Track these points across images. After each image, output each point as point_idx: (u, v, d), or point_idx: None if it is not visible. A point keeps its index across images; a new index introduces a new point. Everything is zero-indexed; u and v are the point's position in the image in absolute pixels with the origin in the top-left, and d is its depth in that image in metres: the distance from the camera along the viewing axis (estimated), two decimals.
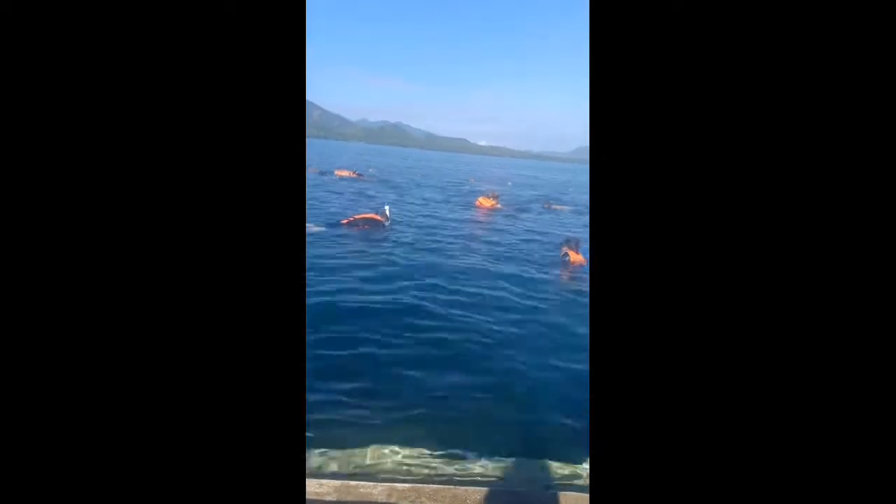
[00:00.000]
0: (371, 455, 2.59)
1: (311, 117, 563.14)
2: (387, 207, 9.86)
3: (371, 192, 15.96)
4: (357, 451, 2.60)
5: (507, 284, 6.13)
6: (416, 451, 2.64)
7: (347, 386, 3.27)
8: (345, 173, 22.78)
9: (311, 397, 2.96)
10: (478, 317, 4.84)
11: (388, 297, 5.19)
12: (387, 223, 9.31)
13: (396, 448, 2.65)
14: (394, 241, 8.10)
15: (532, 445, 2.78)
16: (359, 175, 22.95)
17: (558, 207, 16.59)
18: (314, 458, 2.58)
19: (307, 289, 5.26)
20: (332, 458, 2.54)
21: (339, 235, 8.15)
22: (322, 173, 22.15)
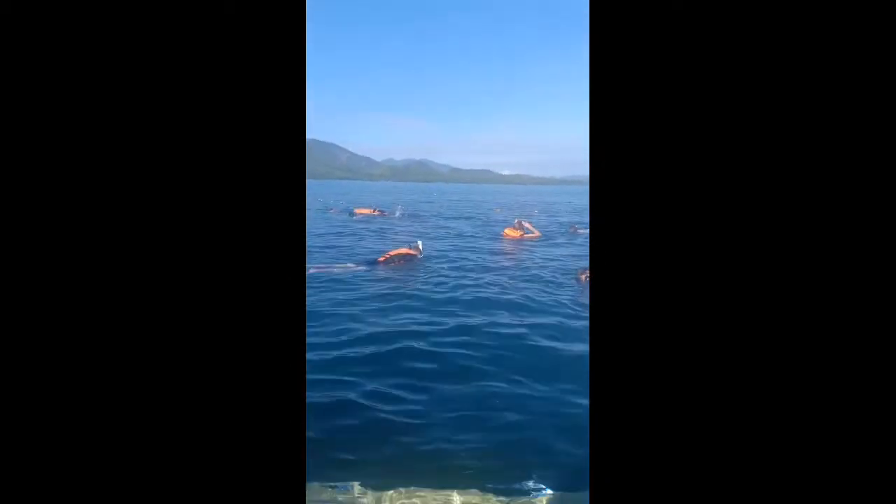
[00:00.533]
0: None
1: (340, 160, 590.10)
2: (419, 242, 10.38)
3: (399, 228, 16.26)
4: None
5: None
6: None
7: None
8: (365, 211, 22.04)
9: None
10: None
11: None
12: (420, 256, 9.71)
13: None
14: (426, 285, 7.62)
15: None
16: (381, 212, 22.28)
17: (584, 231, 16.30)
18: None
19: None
20: None
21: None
22: (350, 214, 21.91)
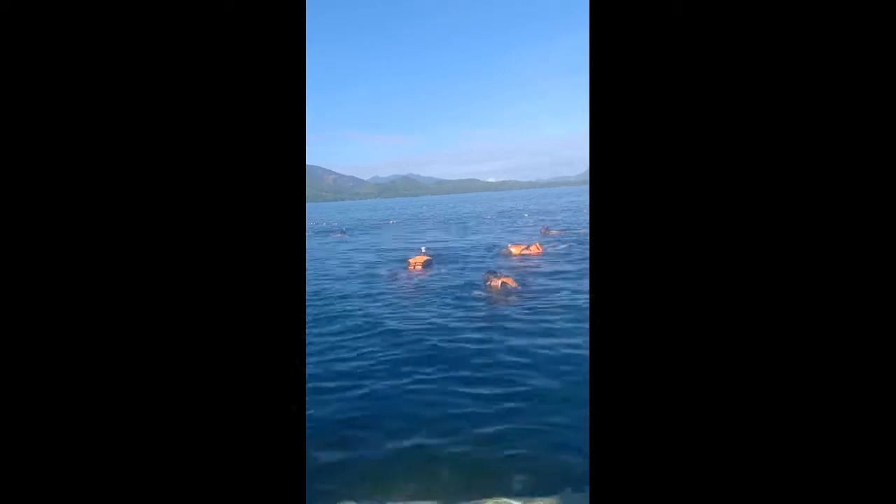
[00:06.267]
0: None
1: (326, 182, 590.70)
2: (423, 248, 11.76)
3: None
4: None
5: None
6: None
7: None
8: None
9: None
10: None
11: None
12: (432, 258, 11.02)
13: None
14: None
15: None
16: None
17: (556, 232, 15.82)
18: None
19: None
20: None
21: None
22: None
